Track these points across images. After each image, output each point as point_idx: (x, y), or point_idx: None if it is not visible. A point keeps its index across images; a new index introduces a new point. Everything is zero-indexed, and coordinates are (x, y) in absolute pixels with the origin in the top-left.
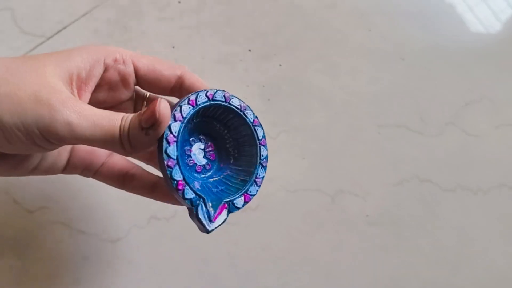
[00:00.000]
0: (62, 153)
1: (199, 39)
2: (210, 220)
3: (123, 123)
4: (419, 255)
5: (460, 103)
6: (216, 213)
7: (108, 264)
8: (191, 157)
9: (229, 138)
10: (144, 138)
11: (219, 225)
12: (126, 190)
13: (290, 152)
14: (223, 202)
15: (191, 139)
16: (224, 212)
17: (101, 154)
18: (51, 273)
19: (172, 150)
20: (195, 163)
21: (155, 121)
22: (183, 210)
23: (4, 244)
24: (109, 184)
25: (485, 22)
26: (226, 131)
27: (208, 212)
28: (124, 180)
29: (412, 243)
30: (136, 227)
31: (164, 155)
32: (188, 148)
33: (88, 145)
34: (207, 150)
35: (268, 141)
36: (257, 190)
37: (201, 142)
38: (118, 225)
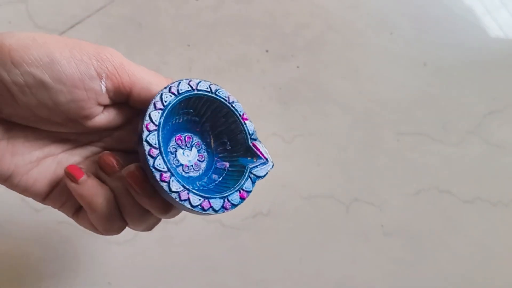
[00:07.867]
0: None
1: (215, 38)
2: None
3: None
4: (435, 269)
5: (483, 111)
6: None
7: (114, 267)
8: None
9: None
10: None
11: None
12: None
13: (305, 158)
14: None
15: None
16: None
17: None
18: (56, 272)
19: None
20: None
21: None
22: (192, 214)
23: (9, 242)
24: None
25: (506, 29)
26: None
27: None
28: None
29: (429, 256)
30: None
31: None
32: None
33: None
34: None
35: (283, 145)
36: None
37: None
38: None
